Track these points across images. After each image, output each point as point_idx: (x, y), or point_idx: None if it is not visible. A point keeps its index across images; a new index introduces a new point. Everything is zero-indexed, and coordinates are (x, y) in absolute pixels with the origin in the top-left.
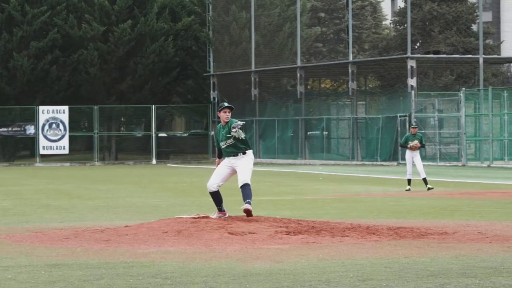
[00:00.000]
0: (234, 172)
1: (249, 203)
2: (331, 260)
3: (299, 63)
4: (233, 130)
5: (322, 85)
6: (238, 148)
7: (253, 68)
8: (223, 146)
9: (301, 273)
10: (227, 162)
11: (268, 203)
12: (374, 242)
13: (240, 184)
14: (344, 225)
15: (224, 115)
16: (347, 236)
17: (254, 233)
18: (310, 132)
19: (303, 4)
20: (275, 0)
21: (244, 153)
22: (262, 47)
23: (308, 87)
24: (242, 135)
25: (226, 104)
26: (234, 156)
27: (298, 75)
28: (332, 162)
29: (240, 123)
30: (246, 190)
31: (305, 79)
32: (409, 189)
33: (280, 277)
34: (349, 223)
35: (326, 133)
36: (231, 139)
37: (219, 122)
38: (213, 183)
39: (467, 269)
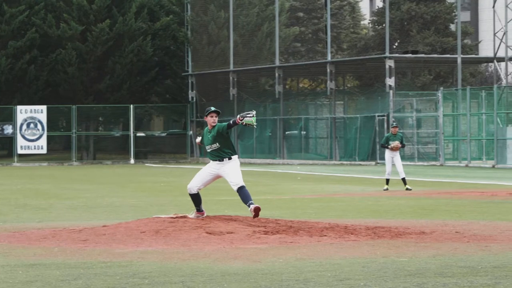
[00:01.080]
0: (217, 178)
1: (252, 203)
2: (309, 260)
3: (277, 63)
4: (249, 115)
5: (301, 85)
6: (223, 153)
7: (231, 68)
8: (208, 150)
9: (278, 272)
10: (212, 167)
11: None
12: (352, 241)
13: (235, 188)
14: (322, 225)
15: (211, 120)
16: (325, 235)
17: (232, 232)
18: (288, 132)
19: (281, 4)
20: (254, 0)
21: (229, 158)
22: (240, 46)
23: (286, 86)
24: (254, 122)
25: (213, 108)
26: (219, 161)
27: (277, 74)
28: (310, 161)
29: (252, 113)
30: (244, 192)
31: (284, 78)
32: (387, 189)
33: (258, 276)
34: (327, 223)
35: (304, 132)
36: (216, 143)
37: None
38: (194, 186)
39: (444, 269)
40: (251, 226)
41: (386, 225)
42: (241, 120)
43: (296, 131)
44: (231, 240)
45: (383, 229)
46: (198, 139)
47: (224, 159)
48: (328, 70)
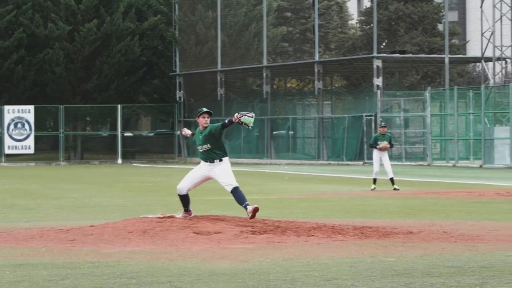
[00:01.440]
0: (207, 179)
1: (248, 204)
2: (296, 260)
3: (265, 63)
4: (248, 115)
5: (288, 85)
6: (214, 154)
7: (219, 68)
8: (200, 150)
9: (266, 272)
10: (203, 169)
11: (233, 203)
12: (340, 241)
13: (229, 188)
14: (310, 225)
15: (203, 120)
16: (313, 235)
17: (219, 232)
18: (276, 132)
19: (269, 4)
20: (241, 0)
21: (220, 160)
22: (228, 46)
23: (274, 86)
24: (251, 123)
25: (205, 109)
26: (210, 162)
27: (264, 74)
28: (298, 161)
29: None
30: (239, 193)
31: (271, 78)
32: (374, 188)
33: (245, 276)
34: (314, 223)
35: (292, 132)
36: (208, 144)
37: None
38: (183, 187)
39: (432, 269)
40: (238, 226)
41: (373, 225)
42: (240, 117)
43: (283, 131)
44: (219, 240)
45: (371, 229)
46: (186, 130)
47: (215, 161)
48: (316, 70)
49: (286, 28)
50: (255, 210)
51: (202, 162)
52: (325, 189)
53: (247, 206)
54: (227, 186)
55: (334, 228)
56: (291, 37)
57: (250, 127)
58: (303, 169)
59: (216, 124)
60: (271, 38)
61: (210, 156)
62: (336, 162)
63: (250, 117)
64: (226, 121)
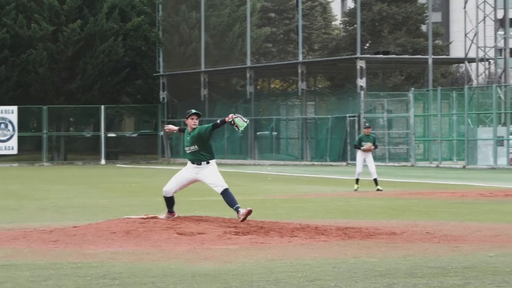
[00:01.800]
0: (193, 182)
1: (239, 206)
2: (279, 261)
3: (248, 63)
4: (243, 120)
5: (272, 86)
6: (201, 155)
7: (202, 68)
8: (187, 151)
9: (249, 273)
10: (190, 171)
11: (216, 204)
12: (323, 242)
13: (220, 190)
14: (293, 226)
15: (192, 122)
16: (296, 236)
17: (202, 233)
18: (260, 132)
19: (253, 5)
20: (225, 1)
21: (207, 162)
22: (212, 47)
23: (258, 87)
24: (242, 128)
25: (193, 111)
26: (197, 164)
27: (248, 75)
28: (282, 162)
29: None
30: (229, 194)
31: (255, 79)
32: (357, 189)
33: (229, 277)
34: (298, 223)
35: (276, 133)
36: (195, 145)
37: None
38: (170, 190)
39: (415, 269)
40: (221, 227)
41: (356, 226)
42: (235, 118)
43: (267, 132)
44: (202, 241)
45: (354, 230)
46: (171, 126)
47: (202, 163)
48: (300, 71)
49: (270, 29)
50: (249, 213)
51: (189, 164)
52: (308, 190)
53: (239, 209)
54: (217, 187)
55: (318, 229)
56: (275, 37)
57: (239, 131)
58: (286, 169)
59: (206, 125)
60: (255, 39)
61: (197, 158)
62: (319, 163)
63: (244, 121)
64: (218, 121)
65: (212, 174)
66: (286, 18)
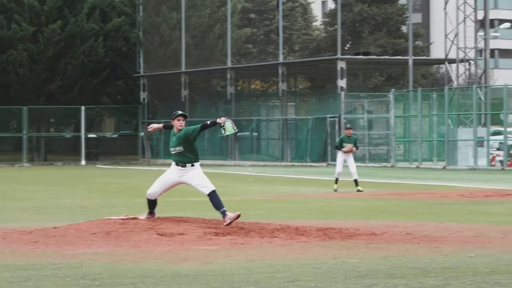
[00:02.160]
0: (178, 184)
1: (225, 210)
2: (259, 261)
3: (229, 64)
4: (233, 127)
5: (252, 86)
6: (186, 157)
7: (183, 69)
8: (172, 152)
9: (229, 274)
10: (174, 174)
11: (197, 204)
12: (303, 243)
13: (207, 191)
14: (273, 226)
15: (178, 123)
16: (276, 237)
17: (183, 234)
18: (240, 133)
19: (233, 5)
20: (206, 1)
21: (192, 165)
22: (192, 48)
23: (238, 88)
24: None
25: (180, 112)
26: (182, 166)
27: (228, 76)
28: (262, 163)
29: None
30: (216, 197)
31: (235, 80)
32: (336, 189)
33: (209, 278)
34: (278, 224)
35: (256, 134)
36: (180, 147)
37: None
38: (155, 193)
39: (395, 270)
40: (202, 227)
41: (337, 226)
42: (226, 121)
43: (247, 133)
44: (182, 242)
45: (334, 230)
46: (154, 125)
47: (187, 165)
48: (280, 72)
49: (250, 30)
50: (237, 217)
51: (173, 166)
52: (289, 191)
53: (226, 212)
54: (204, 188)
55: (298, 230)
56: (255, 38)
57: (224, 134)
58: (267, 170)
59: (194, 126)
60: (235, 40)
61: (182, 160)
62: (300, 164)
63: (234, 129)
64: (208, 122)
65: (197, 176)
66: (267, 19)
